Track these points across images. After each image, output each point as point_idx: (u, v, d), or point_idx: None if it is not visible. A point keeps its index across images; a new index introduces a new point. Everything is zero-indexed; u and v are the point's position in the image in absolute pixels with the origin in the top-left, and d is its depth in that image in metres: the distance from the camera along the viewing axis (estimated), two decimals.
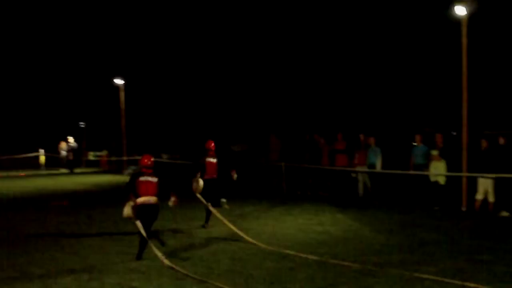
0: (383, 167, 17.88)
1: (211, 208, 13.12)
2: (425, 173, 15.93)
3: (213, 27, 48.10)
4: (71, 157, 41.60)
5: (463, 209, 15.11)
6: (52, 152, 44.49)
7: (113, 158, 40.95)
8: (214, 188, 13.79)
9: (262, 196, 19.38)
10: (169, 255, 9.67)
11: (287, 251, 9.97)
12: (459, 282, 7.78)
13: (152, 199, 9.99)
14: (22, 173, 38.12)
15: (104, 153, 44.42)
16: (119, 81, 38.82)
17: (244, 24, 45.91)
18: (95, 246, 10.82)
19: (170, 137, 43.69)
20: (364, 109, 35.64)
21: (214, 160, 14.23)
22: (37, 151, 44.90)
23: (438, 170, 15.60)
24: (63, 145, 43.82)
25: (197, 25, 50.83)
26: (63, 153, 42.99)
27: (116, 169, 39.14)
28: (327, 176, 19.64)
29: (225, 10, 47.74)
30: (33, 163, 44.51)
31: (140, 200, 9.85)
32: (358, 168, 18.41)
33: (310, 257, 9.51)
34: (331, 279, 8.15)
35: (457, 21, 15.80)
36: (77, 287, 7.91)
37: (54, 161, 44.55)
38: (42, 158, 44.25)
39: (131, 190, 9.96)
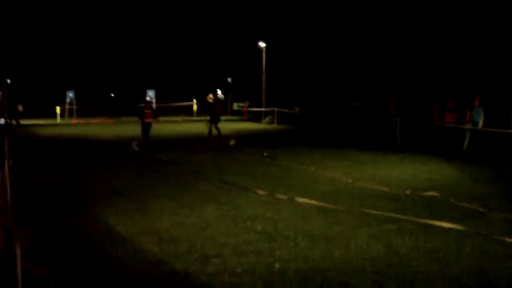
0: (485, 125, 17.34)
1: None
2: None
3: None
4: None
5: None
6: (203, 101, 46.11)
7: (254, 109, 41.72)
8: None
9: (377, 146, 19.16)
10: (298, 193, 9.94)
11: (404, 192, 9.98)
12: None
13: None
14: (178, 119, 39.75)
15: (246, 104, 45.25)
16: (262, 44, 39.43)
17: None
18: (233, 183, 11.14)
19: (302, 93, 43.75)
20: (474, 71, 33.77)
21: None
22: (191, 100, 46.49)
23: None
24: (211, 96, 45.19)
25: None
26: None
27: (255, 118, 39.88)
28: (437, 131, 19.22)
29: None
30: (188, 111, 46.25)
31: None
32: (465, 125, 17.88)
33: (419, 194, 9.58)
34: (440, 212, 8.16)
35: None
36: (219, 215, 8.19)
37: (204, 109, 46.18)
38: (195, 107, 45.87)
39: None
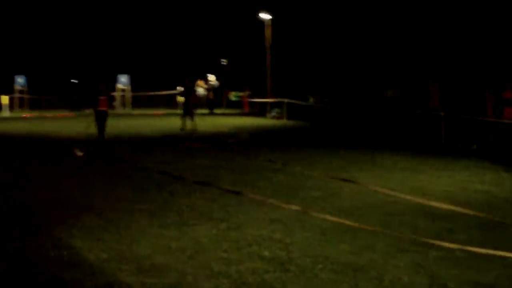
0: None
1: None
2: None
3: None
4: (211, 97, 42.79)
5: None
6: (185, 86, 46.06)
7: (256, 99, 41.64)
8: None
9: (415, 147, 19.15)
10: (316, 208, 9.93)
11: (451, 208, 9.94)
12: None
13: None
14: (158, 112, 39.75)
15: (246, 93, 45.15)
16: (265, 16, 39.14)
17: None
18: (232, 194, 11.17)
19: (318, 79, 43.68)
20: None
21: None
22: (175, 89, 46.14)
23: None
24: (201, 83, 45.16)
25: None
26: (201, 92, 44.24)
27: (258, 111, 39.83)
28: (492, 129, 19.10)
29: None
30: (171, 101, 46.03)
31: None
32: None
33: (471, 213, 9.52)
34: (498, 237, 8.13)
35: None
36: (215, 235, 8.19)
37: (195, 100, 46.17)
38: (180, 97, 45.66)
39: None
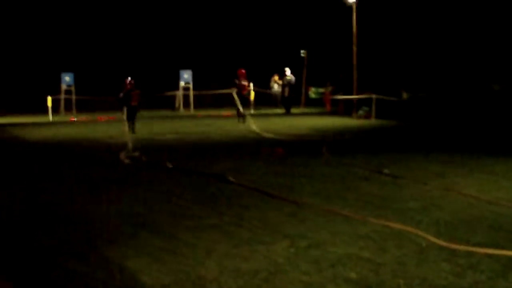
0: None
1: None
2: None
3: None
4: (287, 94, 42.83)
5: None
6: (263, 87, 46.10)
7: (340, 96, 41.45)
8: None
9: None
10: (410, 222, 9.84)
11: None
12: None
13: None
14: (224, 113, 39.99)
15: (328, 89, 45.00)
16: None
17: None
18: (316, 207, 11.18)
19: (413, 71, 43.15)
20: None
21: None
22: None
23: None
24: (276, 78, 45.28)
25: None
26: (276, 88, 44.36)
27: (343, 110, 39.67)
28: None
29: None
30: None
31: None
32: None
33: None
34: None
35: None
36: (293, 255, 8.18)
37: (265, 98, 46.21)
38: (252, 94, 45.86)
39: None
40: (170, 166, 16.39)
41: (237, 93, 34.26)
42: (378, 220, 9.94)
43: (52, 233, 9.78)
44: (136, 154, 18.62)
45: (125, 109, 25.27)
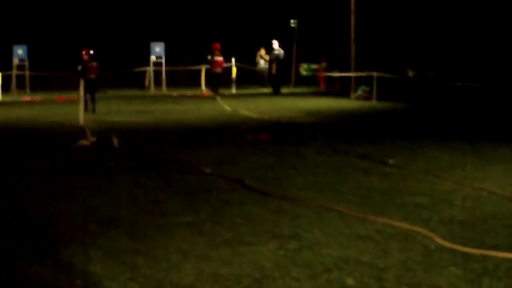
0: None
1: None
2: None
3: None
4: (274, 71, 42.67)
5: None
6: (248, 63, 46.00)
7: (336, 74, 41.47)
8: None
9: None
10: (418, 220, 9.89)
11: None
12: None
13: None
14: (203, 92, 39.96)
15: (322, 65, 44.98)
16: None
17: None
18: (308, 202, 11.15)
19: (420, 46, 43.15)
20: None
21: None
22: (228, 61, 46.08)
23: None
24: (263, 53, 45.20)
25: None
26: (263, 64, 44.24)
27: (340, 90, 39.69)
28: None
29: None
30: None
31: None
32: None
33: None
34: None
35: None
36: (282, 258, 8.17)
37: (250, 76, 46.16)
38: (234, 71, 45.76)
39: None
40: (139, 153, 16.40)
41: (208, 71, 37.16)
42: (380, 218, 9.97)
43: (5, 232, 9.76)
44: (95, 139, 18.68)
45: (81, 83, 25.29)
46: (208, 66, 38.27)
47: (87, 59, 28.90)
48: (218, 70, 37.32)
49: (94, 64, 29.11)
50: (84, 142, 18.39)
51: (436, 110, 27.76)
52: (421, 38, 44.41)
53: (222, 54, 38.02)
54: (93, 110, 27.06)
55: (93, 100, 27.73)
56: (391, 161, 14.77)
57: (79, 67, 28.69)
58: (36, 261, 8.26)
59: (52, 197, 12.05)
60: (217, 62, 36.60)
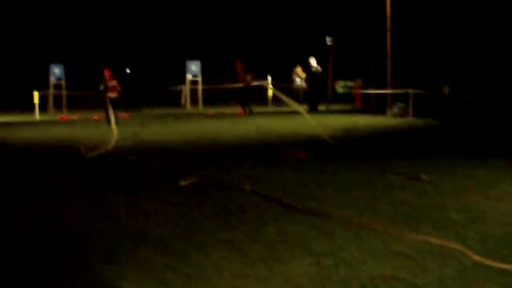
0: None
1: None
2: None
3: None
4: (312, 88, 42.61)
5: None
6: (283, 80, 45.98)
7: (372, 91, 41.33)
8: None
9: None
10: (455, 237, 9.80)
11: None
12: None
13: None
14: (238, 110, 39.96)
15: (358, 82, 44.86)
16: None
17: None
18: (341, 219, 11.11)
19: (456, 63, 43.01)
20: None
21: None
22: (264, 78, 46.03)
23: None
24: (299, 71, 45.14)
25: None
26: (299, 82, 44.19)
27: (376, 107, 39.57)
28: None
29: None
30: (258, 97, 46.04)
31: None
32: None
33: None
34: None
35: None
36: (318, 275, 8.13)
37: (286, 94, 46.09)
38: (270, 91, 45.69)
39: None
40: (180, 181, 16.41)
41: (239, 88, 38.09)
42: (416, 234, 9.90)
43: (39, 249, 9.78)
44: (134, 158, 18.78)
45: (108, 102, 26.34)
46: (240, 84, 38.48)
47: (107, 78, 29.69)
48: (245, 85, 37.94)
49: (114, 83, 29.98)
50: (131, 157, 18.71)
51: (472, 126, 27.60)
52: (456, 54, 44.29)
53: (252, 72, 38.55)
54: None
55: (115, 118, 28.19)
56: (424, 177, 14.68)
57: (101, 87, 29.77)
58: (69, 278, 8.28)
59: (87, 213, 12.10)
60: (243, 78, 37.59)
